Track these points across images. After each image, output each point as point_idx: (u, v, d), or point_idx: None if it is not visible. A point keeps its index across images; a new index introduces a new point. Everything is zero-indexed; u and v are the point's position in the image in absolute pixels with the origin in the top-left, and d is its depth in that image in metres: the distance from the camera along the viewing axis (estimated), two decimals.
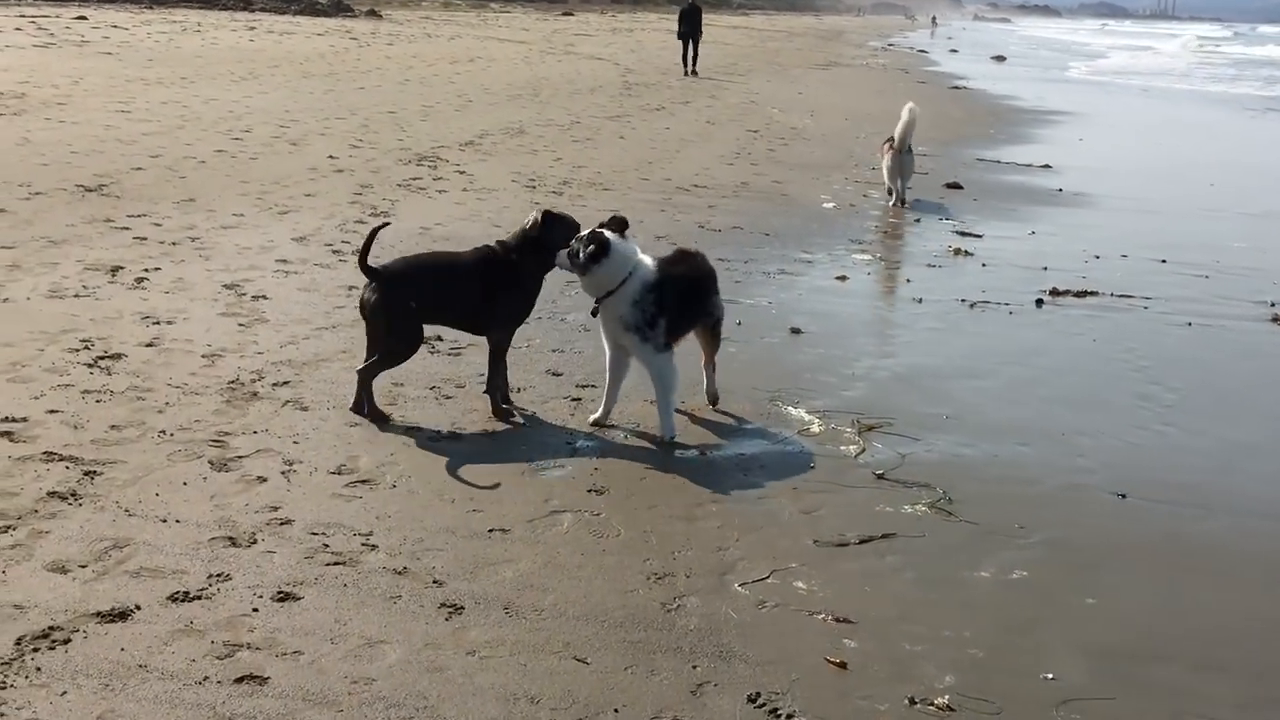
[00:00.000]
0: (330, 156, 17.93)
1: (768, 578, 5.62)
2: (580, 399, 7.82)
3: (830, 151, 21.63)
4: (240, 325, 9.04)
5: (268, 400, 7.47)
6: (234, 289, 10.10)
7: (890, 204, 17.17)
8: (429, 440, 7.02)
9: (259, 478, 6.36)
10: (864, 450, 7.31)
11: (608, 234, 6.67)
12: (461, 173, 17.52)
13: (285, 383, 7.82)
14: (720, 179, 18.79)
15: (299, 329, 9.08)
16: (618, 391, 7.27)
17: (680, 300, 6.83)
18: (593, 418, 7.32)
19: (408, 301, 7.01)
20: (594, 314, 7.11)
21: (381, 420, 7.09)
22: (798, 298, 11.36)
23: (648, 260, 6.78)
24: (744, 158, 20.37)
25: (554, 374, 8.23)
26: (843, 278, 12.32)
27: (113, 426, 6.89)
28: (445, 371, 8.24)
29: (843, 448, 7.32)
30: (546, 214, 7.17)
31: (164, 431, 6.84)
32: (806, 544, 6.00)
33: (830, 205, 17.07)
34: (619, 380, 7.24)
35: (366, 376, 7.23)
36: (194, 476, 6.31)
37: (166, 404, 7.30)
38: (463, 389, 7.68)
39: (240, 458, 6.58)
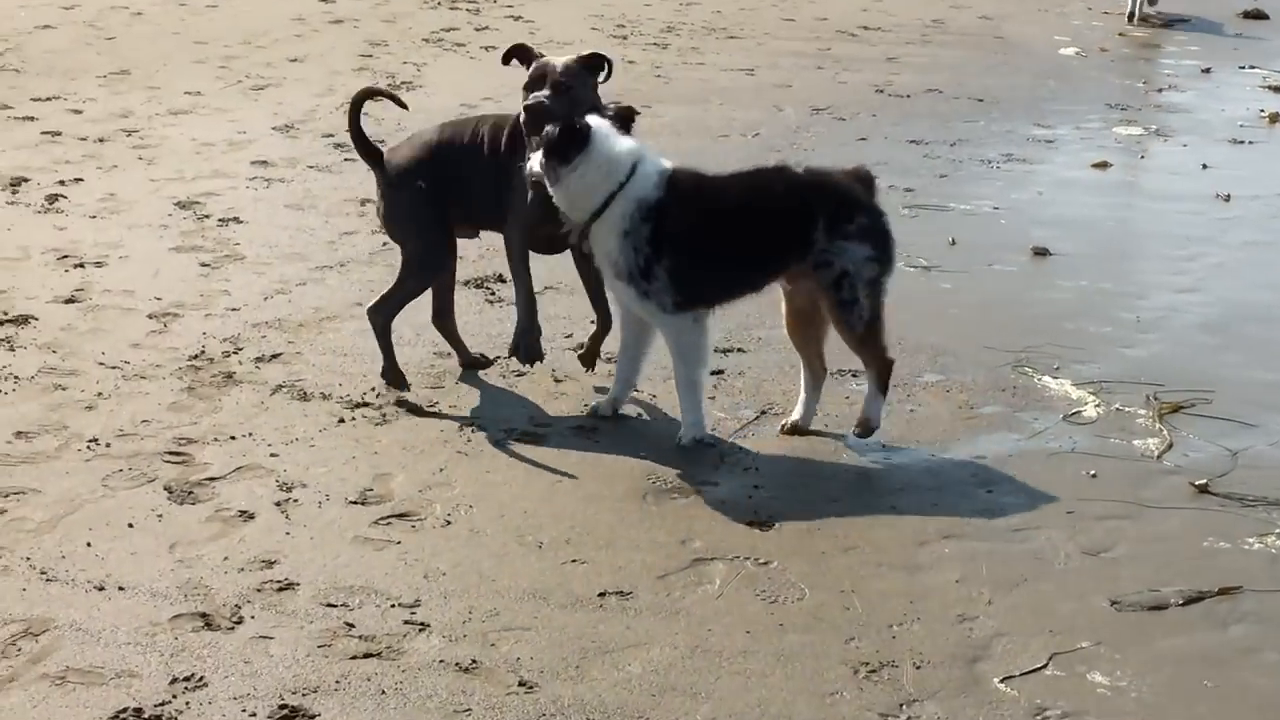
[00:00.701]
0: None
1: (1045, 667, 5.13)
2: (723, 371, 7.34)
3: None
4: (203, 266, 8.72)
5: (249, 385, 7.11)
6: (191, 209, 9.79)
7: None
8: (495, 443, 6.61)
9: (242, 513, 5.99)
10: (1170, 446, 6.79)
11: (590, 121, 6.35)
12: (515, 18, 17.04)
13: (274, 356, 7.47)
14: (899, 15, 18.18)
15: (290, 269, 8.72)
16: (633, 370, 6.90)
17: (710, 230, 6.46)
18: (592, 405, 6.97)
19: (416, 187, 6.99)
20: (579, 248, 6.74)
21: (479, 365, 7.29)
22: (1038, 199, 10.83)
23: (657, 162, 6.50)
24: None
25: None
26: (1103, 164, 11.76)
27: (18, 434, 6.57)
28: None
29: (1136, 442, 6.81)
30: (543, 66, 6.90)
31: (95, 440, 6.50)
32: (1100, 606, 5.50)
33: (1071, 51, 16.40)
34: (634, 353, 6.87)
35: (378, 317, 7.15)
36: (143, 513, 5.96)
37: (98, 395, 6.97)
38: (541, 361, 7.23)
39: (212, 480, 6.22)
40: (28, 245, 8.96)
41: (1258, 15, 18.25)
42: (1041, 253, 9.52)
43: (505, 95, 12.74)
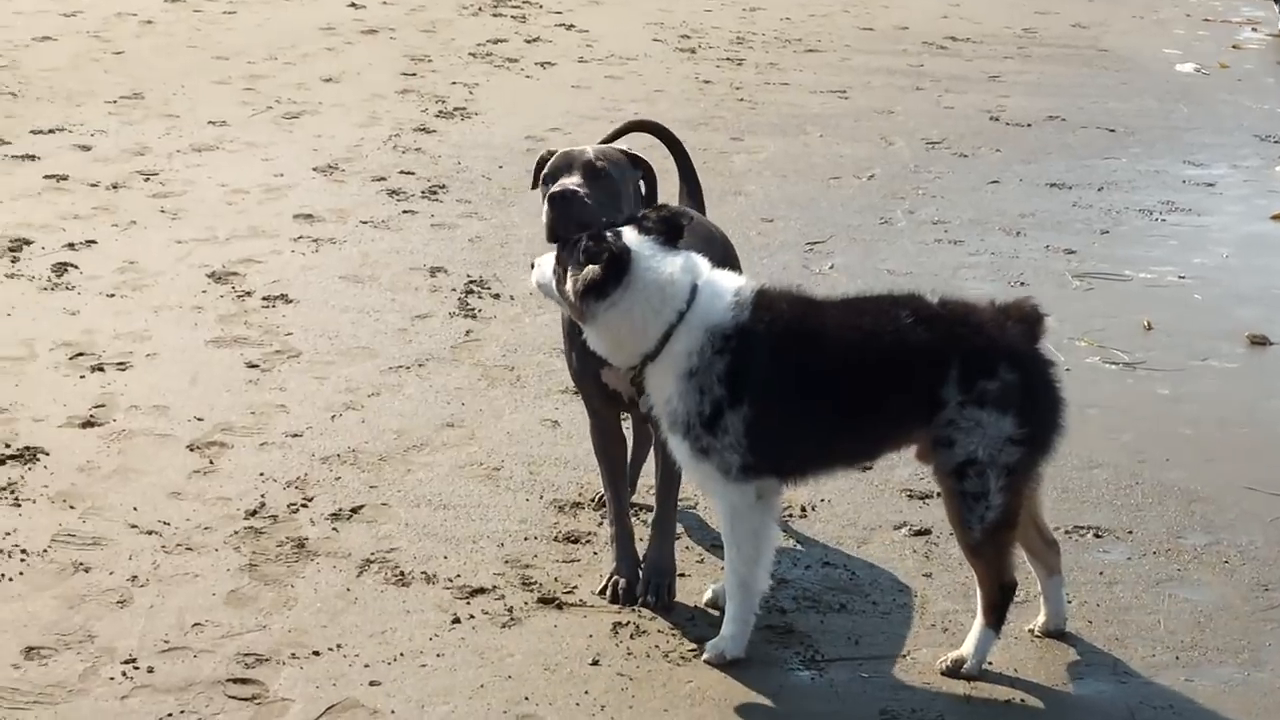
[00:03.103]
0: (352, 3, 15.83)
1: None
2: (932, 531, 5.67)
3: None
4: (250, 367, 7.10)
5: (327, 561, 5.51)
6: (229, 283, 8.14)
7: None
8: (668, 657, 4.97)
9: None
10: None
11: (627, 237, 4.76)
12: (567, 26, 15.38)
13: (354, 510, 5.86)
14: (985, 23, 16.53)
15: (356, 372, 7.14)
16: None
17: (807, 372, 4.79)
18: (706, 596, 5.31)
19: None
20: (635, 390, 5.01)
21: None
22: (1227, 265, 9.19)
23: (725, 280, 4.87)
24: None
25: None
26: None
27: (28, 651, 4.89)
28: None
29: None
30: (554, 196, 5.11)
31: (133, 662, 4.86)
32: None
33: (1190, 68, 14.75)
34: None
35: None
36: None
37: (132, 580, 5.36)
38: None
39: None
40: (33, 338, 7.29)
41: None
42: (1260, 341, 7.89)
43: (574, 126, 11.11)
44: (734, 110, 12.42)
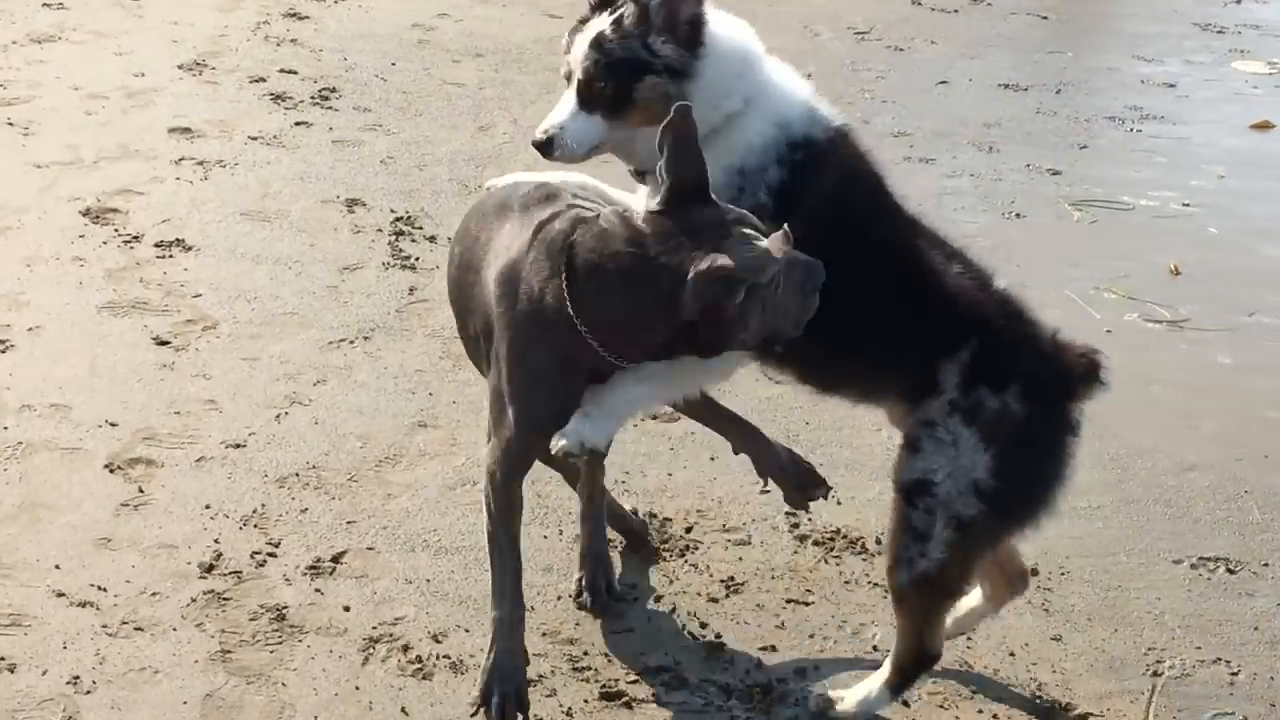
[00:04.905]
0: None
1: None
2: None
3: None
4: (159, 344, 5.90)
5: (320, 640, 4.42)
6: (109, 222, 6.88)
7: None
8: None
9: None
10: None
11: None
12: None
13: (335, 559, 4.72)
14: None
15: (292, 348, 5.96)
16: None
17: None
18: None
19: None
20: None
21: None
22: (1225, 187, 8.56)
23: (798, 87, 3.85)
24: None
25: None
26: (1265, 125, 9.42)
27: None
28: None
29: None
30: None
31: None
32: None
33: None
34: None
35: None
36: None
37: (73, 683, 4.12)
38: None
39: None
40: None
41: None
42: None
43: (463, 10, 9.81)
44: None
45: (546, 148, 3.74)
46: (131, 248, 6.60)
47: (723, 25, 3.73)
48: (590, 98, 3.70)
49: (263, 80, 8.74)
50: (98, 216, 6.85)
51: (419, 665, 4.22)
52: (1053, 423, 3.77)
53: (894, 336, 3.77)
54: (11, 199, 6.95)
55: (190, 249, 6.63)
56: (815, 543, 4.87)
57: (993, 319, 3.75)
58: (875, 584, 4.64)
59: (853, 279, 3.55)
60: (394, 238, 6.85)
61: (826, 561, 4.79)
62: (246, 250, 6.68)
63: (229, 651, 4.21)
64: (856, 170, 3.88)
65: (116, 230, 6.73)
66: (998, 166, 8.25)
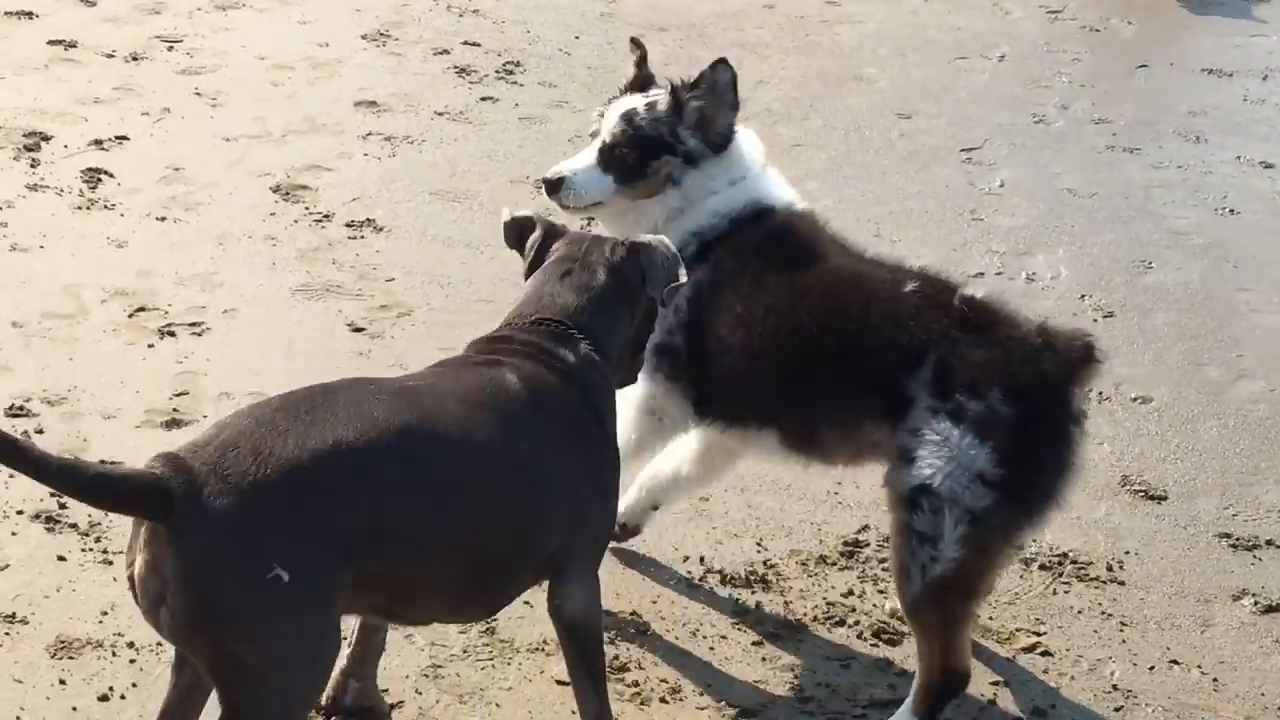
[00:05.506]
0: None
1: None
2: None
3: None
4: (355, 331, 5.77)
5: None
6: (299, 200, 6.92)
7: None
8: None
9: None
10: None
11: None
12: None
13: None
14: None
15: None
16: None
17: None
18: None
19: None
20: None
21: None
22: None
23: (776, 187, 4.34)
24: None
25: None
26: None
27: None
28: None
29: None
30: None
31: None
32: None
33: None
34: None
35: None
36: None
37: None
38: None
39: None
40: (78, 284, 5.85)
41: None
42: None
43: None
44: None
45: (555, 186, 4.29)
46: (323, 227, 6.48)
47: (743, 138, 4.30)
48: (609, 159, 4.23)
49: (446, 52, 8.60)
50: (288, 193, 6.74)
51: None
52: (1051, 411, 3.75)
53: (850, 364, 3.87)
54: (201, 172, 6.87)
55: (381, 230, 6.50)
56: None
57: (949, 331, 3.78)
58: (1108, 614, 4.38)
59: (796, 313, 3.92)
60: (587, 222, 6.65)
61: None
62: (438, 232, 6.54)
63: (439, 666, 4.06)
64: (797, 224, 4.22)
65: (307, 208, 6.61)
66: (1206, 158, 7.92)
